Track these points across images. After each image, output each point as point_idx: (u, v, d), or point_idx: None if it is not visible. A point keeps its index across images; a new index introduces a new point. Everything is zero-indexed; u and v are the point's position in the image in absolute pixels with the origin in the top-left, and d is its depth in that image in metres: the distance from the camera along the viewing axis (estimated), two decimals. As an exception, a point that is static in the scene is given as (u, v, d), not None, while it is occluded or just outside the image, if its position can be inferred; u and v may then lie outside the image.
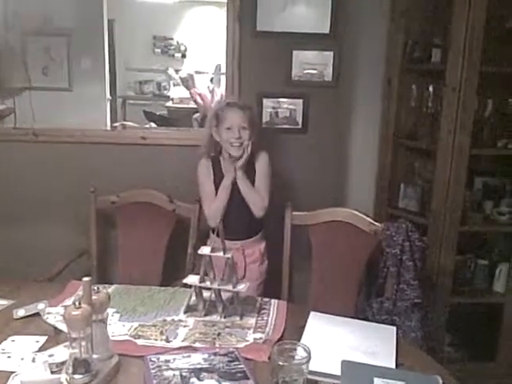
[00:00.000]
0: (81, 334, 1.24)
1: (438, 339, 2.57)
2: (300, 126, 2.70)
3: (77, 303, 1.25)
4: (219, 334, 1.58)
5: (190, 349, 1.48)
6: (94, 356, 1.30)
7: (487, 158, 2.65)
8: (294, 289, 2.28)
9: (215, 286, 1.71)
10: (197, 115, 4.97)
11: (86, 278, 1.32)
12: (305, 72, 2.64)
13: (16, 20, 4.32)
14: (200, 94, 5.08)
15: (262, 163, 2.32)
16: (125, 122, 4.61)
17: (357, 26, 2.67)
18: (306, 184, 2.70)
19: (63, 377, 1.27)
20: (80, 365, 1.26)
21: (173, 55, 7.04)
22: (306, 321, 1.66)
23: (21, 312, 1.66)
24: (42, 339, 1.52)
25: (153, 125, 4.94)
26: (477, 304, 2.69)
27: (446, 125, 2.43)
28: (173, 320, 1.67)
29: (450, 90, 2.40)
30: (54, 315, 1.64)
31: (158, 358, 1.38)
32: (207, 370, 1.33)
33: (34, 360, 1.40)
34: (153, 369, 1.33)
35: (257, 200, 2.26)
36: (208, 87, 5.22)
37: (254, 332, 1.60)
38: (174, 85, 6.60)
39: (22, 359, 1.41)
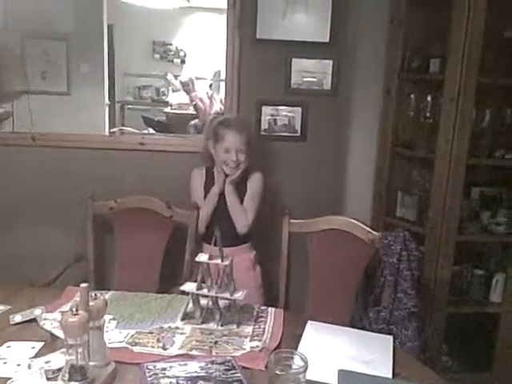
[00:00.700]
0: (77, 341, 1.23)
1: (435, 349, 2.57)
2: (299, 134, 2.71)
3: (74, 309, 1.24)
4: (216, 342, 1.57)
5: (187, 357, 1.48)
6: (91, 363, 1.29)
7: (484, 168, 2.66)
8: (290, 297, 2.28)
9: (212, 293, 1.71)
10: (193, 122, 4.94)
11: (83, 285, 1.32)
12: (304, 80, 2.65)
13: (15, 24, 4.33)
14: (201, 99, 5.06)
15: (254, 183, 2.38)
16: (123, 128, 4.62)
17: (356, 35, 2.69)
18: (303, 192, 2.71)
19: (59, 383, 1.26)
20: (76, 372, 1.25)
21: (172, 61, 7.06)
22: (302, 329, 1.66)
23: (17, 317, 1.65)
24: (39, 345, 1.51)
25: (151, 130, 4.94)
26: (473, 314, 2.69)
27: (443, 134, 2.44)
28: (170, 327, 1.66)
29: (448, 100, 2.41)
30: (51, 321, 1.64)
31: (155, 366, 1.38)
32: (204, 379, 1.33)
33: (30, 366, 1.40)
34: (149, 376, 1.33)
35: (241, 217, 2.32)
36: (207, 93, 5.22)
37: (250, 340, 1.60)
38: (173, 91, 6.61)
39: (18, 365, 1.40)
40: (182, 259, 2.32)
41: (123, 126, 5.48)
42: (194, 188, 2.40)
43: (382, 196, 2.84)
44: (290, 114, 2.69)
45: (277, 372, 1.23)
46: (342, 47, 2.63)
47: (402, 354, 1.61)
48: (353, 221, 2.19)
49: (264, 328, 1.69)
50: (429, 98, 2.60)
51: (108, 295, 1.88)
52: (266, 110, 2.68)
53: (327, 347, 1.58)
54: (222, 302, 1.74)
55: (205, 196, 2.35)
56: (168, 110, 6.20)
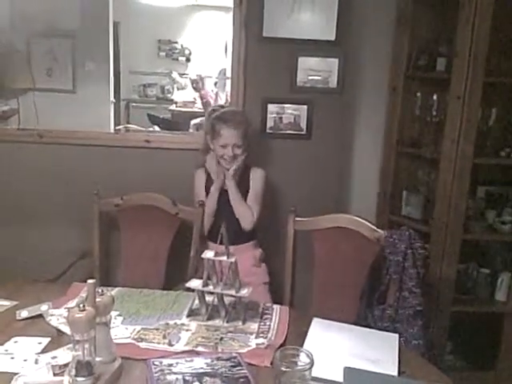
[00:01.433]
0: (84, 337, 1.24)
1: (440, 347, 2.57)
2: (304, 132, 2.71)
3: (81, 305, 1.25)
4: (222, 339, 1.58)
5: (193, 353, 1.48)
6: (97, 359, 1.30)
7: (490, 167, 2.66)
8: (296, 294, 2.28)
9: (218, 290, 1.71)
10: (196, 121, 4.91)
11: (90, 280, 1.32)
12: (309, 78, 2.65)
13: (21, 22, 4.34)
14: (211, 96, 5.04)
15: (257, 180, 2.40)
16: (128, 125, 4.62)
17: (362, 33, 2.68)
18: (308, 190, 2.71)
19: (66, 379, 1.26)
20: (83, 367, 1.26)
21: (177, 59, 7.06)
22: (308, 327, 1.67)
23: (24, 313, 1.66)
24: (45, 341, 1.52)
25: (156, 128, 4.94)
26: (478, 313, 2.69)
27: (449, 133, 2.44)
28: (175, 324, 1.67)
29: (454, 99, 2.41)
30: (57, 317, 1.64)
31: (161, 362, 1.39)
32: (210, 375, 1.33)
33: (36, 361, 1.40)
34: (156, 372, 1.34)
35: (245, 213, 2.35)
36: (212, 91, 5.22)
37: (256, 337, 1.60)
38: (178, 88, 6.62)
39: (25, 360, 1.41)
40: (188, 256, 2.32)
41: (128, 123, 5.49)
42: (196, 189, 2.44)
43: (387, 194, 2.84)
44: (295, 112, 2.69)
45: (282, 369, 1.24)
46: (347, 45, 2.63)
47: (408, 352, 1.61)
48: (358, 219, 2.19)
49: (269, 325, 1.69)
50: (435, 97, 2.60)
51: (114, 291, 1.88)
52: (272, 108, 2.68)
53: (332, 345, 1.58)
54: (227, 299, 1.75)
55: (207, 196, 2.38)
56: (173, 107, 6.21)
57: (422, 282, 2.06)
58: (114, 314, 1.64)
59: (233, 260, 1.70)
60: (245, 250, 2.36)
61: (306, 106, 2.68)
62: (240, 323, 1.68)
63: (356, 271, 2.17)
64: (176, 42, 7.05)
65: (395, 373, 1.44)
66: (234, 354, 1.45)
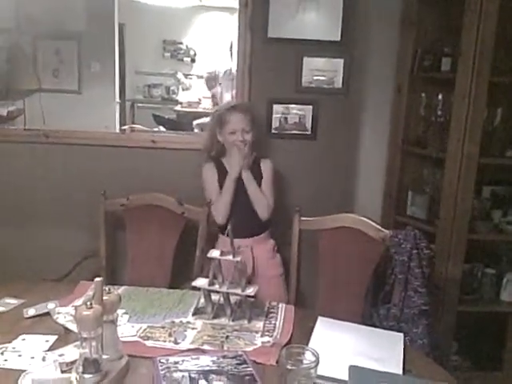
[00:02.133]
0: (91, 334, 1.25)
1: (445, 347, 2.56)
2: (309, 132, 2.71)
3: (88, 303, 1.26)
4: (227, 337, 1.59)
5: (199, 351, 1.49)
6: (104, 356, 1.31)
7: (496, 167, 2.65)
8: (301, 293, 2.29)
9: (224, 289, 1.72)
10: (199, 121, 4.89)
11: (97, 279, 1.33)
12: (315, 78, 2.66)
13: (27, 23, 4.36)
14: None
15: (268, 169, 2.43)
16: (133, 125, 4.63)
17: (367, 33, 2.68)
18: (313, 190, 2.71)
19: (73, 376, 1.27)
20: (90, 364, 1.27)
21: (182, 59, 7.07)
22: (313, 325, 1.67)
23: (31, 311, 1.67)
24: (52, 338, 1.53)
25: (162, 128, 4.95)
26: (484, 313, 2.68)
27: (454, 133, 2.44)
28: (181, 322, 1.68)
29: (459, 99, 2.41)
30: (64, 315, 1.66)
31: (167, 360, 1.40)
32: (216, 372, 1.34)
33: (44, 359, 1.42)
34: (162, 370, 1.34)
35: (263, 202, 2.36)
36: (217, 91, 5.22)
37: (261, 336, 1.61)
38: (183, 89, 6.63)
39: (33, 358, 1.43)
40: (193, 255, 2.33)
41: (133, 123, 5.50)
42: (207, 184, 2.41)
43: (393, 194, 2.84)
44: (300, 113, 2.70)
45: (288, 367, 1.25)
46: (352, 46, 2.64)
47: (413, 352, 1.62)
48: (363, 219, 2.19)
49: (275, 324, 1.70)
50: (440, 97, 2.59)
51: (120, 290, 1.90)
52: (277, 109, 2.68)
53: (338, 343, 1.59)
54: (233, 298, 1.76)
55: (221, 188, 2.36)
56: (178, 108, 6.22)
57: (427, 282, 2.06)
58: (120, 312, 1.65)
59: (238, 259, 1.71)
60: (262, 240, 2.40)
61: (311, 107, 2.68)
62: (246, 322, 1.69)
63: (361, 271, 2.17)
64: (181, 43, 7.07)
65: (400, 372, 1.45)
66: (240, 352, 1.46)
